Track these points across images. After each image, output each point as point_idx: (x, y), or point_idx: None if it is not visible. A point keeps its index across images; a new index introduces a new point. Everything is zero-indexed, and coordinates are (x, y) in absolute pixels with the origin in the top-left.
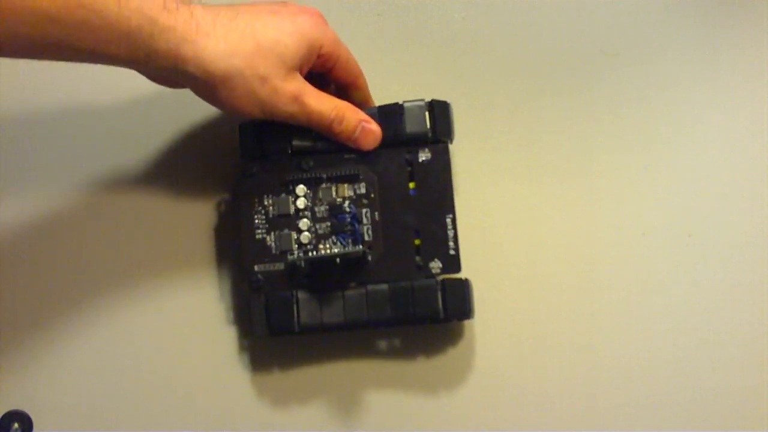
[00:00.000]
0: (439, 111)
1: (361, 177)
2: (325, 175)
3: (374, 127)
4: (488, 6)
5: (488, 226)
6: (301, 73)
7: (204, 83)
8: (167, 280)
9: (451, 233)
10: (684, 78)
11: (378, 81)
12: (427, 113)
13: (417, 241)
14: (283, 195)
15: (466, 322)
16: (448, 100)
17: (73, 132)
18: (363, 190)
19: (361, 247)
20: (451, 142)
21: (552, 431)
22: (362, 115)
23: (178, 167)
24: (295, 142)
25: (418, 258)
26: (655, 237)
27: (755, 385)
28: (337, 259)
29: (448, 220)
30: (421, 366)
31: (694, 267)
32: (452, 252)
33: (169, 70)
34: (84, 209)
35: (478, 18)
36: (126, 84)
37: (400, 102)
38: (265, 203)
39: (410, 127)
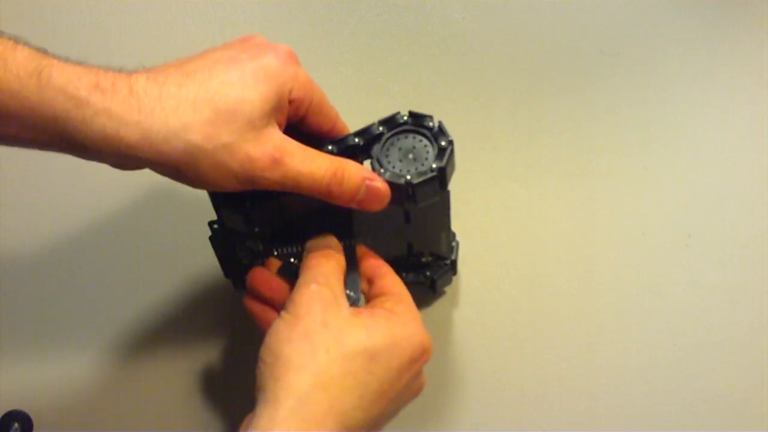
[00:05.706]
0: (449, 169)
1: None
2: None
3: (380, 185)
4: (488, 6)
5: (488, 226)
6: (279, 127)
7: (164, 167)
8: (168, 278)
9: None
10: (684, 78)
11: (378, 81)
12: (437, 181)
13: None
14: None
15: (466, 323)
16: (448, 100)
17: None
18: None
19: None
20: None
21: (552, 431)
22: (365, 170)
23: None
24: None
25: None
26: (654, 237)
27: (755, 385)
28: None
29: (443, 236)
30: None
31: (694, 267)
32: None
33: (117, 157)
34: (85, 207)
35: (478, 18)
36: None
37: (407, 178)
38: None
39: (422, 200)
